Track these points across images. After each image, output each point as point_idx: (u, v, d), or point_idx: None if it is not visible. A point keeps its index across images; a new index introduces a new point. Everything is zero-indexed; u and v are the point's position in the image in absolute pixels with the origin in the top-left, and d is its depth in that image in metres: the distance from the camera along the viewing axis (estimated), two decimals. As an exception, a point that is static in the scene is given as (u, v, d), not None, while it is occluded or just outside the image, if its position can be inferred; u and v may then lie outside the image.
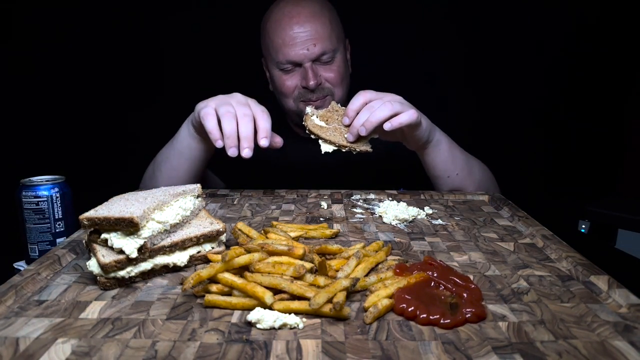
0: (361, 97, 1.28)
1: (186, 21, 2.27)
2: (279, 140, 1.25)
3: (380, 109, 1.22)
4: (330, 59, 1.56)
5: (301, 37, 1.51)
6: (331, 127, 1.31)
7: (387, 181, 1.68)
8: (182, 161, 1.40)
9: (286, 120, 1.80)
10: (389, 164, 1.65)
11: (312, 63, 1.54)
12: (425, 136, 1.34)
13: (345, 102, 1.70)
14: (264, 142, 1.20)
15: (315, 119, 1.33)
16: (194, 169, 1.41)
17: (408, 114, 1.23)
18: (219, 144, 1.20)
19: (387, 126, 1.22)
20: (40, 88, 2.14)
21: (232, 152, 1.19)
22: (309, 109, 1.35)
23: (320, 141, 1.30)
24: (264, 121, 1.21)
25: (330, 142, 1.28)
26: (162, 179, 1.42)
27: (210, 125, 1.20)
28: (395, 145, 1.46)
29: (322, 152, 1.30)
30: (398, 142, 1.42)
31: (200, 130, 1.29)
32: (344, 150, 1.29)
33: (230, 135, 1.18)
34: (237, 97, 1.25)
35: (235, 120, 1.19)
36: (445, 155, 1.41)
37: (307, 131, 1.31)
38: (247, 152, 1.18)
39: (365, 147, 1.28)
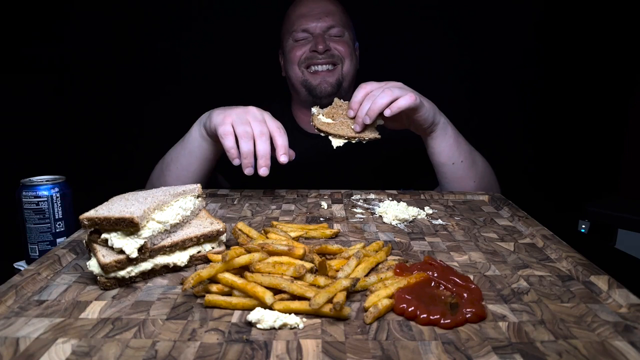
0: (363, 89, 1.33)
1: (188, 23, 2.27)
2: (292, 154, 1.28)
3: (381, 97, 1.27)
4: (339, 33, 1.70)
5: (315, 10, 1.70)
6: (338, 122, 1.35)
7: (389, 173, 1.69)
8: (193, 161, 1.41)
9: (293, 117, 1.81)
10: (391, 153, 1.67)
11: (322, 34, 1.69)
12: (429, 119, 1.36)
13: (352, 87, 1.73)
14: (283, 159, 1.23)
15: (321, 117, 1.37)
16: (204, 168, 1.43)
17: (406, 98, 1.27)
18: (236, 162, 1.22)
19: (387, 112, 1.27)
20: (41, 88, 2.14)
21: (248, 171, 1.21)
22: (314, 109, 1.39)
23: (330, 137, 1.34)
24: (281, 138, 1.23)
25: (340, 136, 1.32)
26: (171, 178, 1.43)
27: (229, 144, 1.22)
28: (399, 139, 1.47)
29: (334, 147, 1.34)
30: (405, 133, 1.45)
31: (213, 134, 1.30)
32: (354, 142, 1.33)
33: (248, 155, 1.21)
34: (253, 113, 1.26)
35: (253, 140, 1.21)
36: (451, 141, 1.42)
37: (316, 130, 1.35)
38: (264, 171, 1.20)
39: (373, 135, 1.32)
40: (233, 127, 1.23)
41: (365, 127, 1.31)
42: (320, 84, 1.67)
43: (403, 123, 1.40)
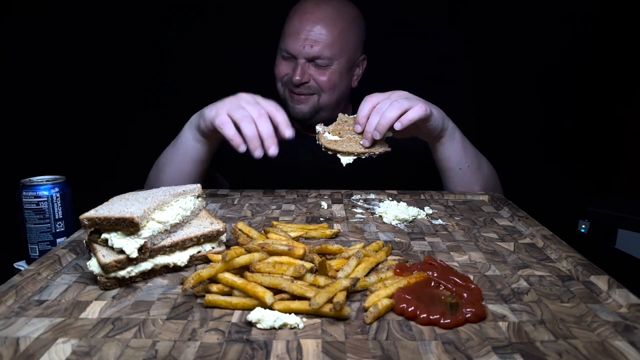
0: (368, 102, 1.29)
1: (186, 23, 2.28)
2: (293, 129, 1.27)
3: (389, 110, 1.24)
4: (325, 64, 1.59)
5: (305, 34, 1.56)
6: (345, 139, 1.32)
7: (393, 180, 1.68)
8: (187, 163, 1.40)
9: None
10: (396, 160, 1.65)
11: (306, 62, 1.58)
12: (438, 126, 1.34)
13: (339, 108, 1.70)
14: (289, 133, 1.22)
15: (328, 135, 1.34)
16: (199, 170, 1.42)
17: (416, 109, 1.24)
18: (242, 148, 1.20)
19: (397, 126, 1.24)
20: (41, 88, 2.14)
21: (258, 153, 1.20)
22: (319, 127, 1.36)
23: (338, 155, 1.31)
24: (280, 114, 1.22)
25: (349, 153, 1.29)
26: (166, 180, 1.42)
27: (230, 132, 1.20)
28: (403, 146, 1.46)
29: (344, 165, 1.31)
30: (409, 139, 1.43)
31: (209, 134, 1.29)
32: (364, 157, 1.30)
33: (253, 138, 1.19)
34: (245, 98, 1.25)
35: (254, 122, 1.20)
36: (458, 146, 1.41)
37: (323, 149, 1.32)
38: (273, 150, 1.19)
39: (383, 149, 1.30)
40: (230, 116, 1.21)
41: (374, 142, 1.28)
42: (293, 107, 1.64)
43: (411, 132, 1.36)
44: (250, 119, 1.20)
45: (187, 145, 1.38)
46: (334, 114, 1.72)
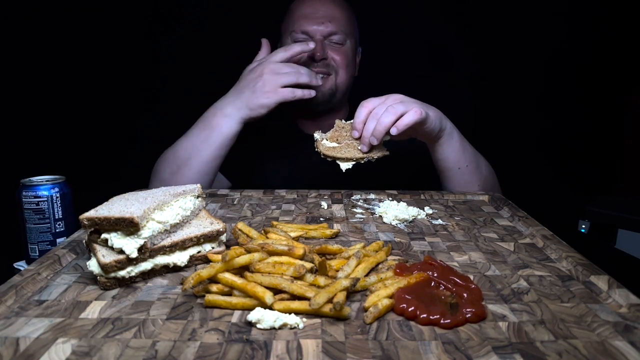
0: (364, 108, 1.30)
1: (187, 24, 2.28)
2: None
3: (385, 116, 1.24)
4: (340, 41, 1.67)
5: (320, 13, 1.66)
6: (343, 145, 1.33)
7: (392, 180, 1.68)
8: (222, 149, 1.48)
9: (293, 121, 1.80)
10: (395, 161, 1.66)
11: (323, 39, 1.66)
12: (436, 127, 1.34)
13: (346, 95, 1.70)
14: (318, 79, 1.52)
15: (326, 142, 1.35)
16: (224, 157, 1.51)
17: (411, 114, 1.24)
18: (314, 93, 1.50)
19: (393, 131, 1.25)
20: (41, 88, 2.14)
21: (317, 81, 1.50)
22: (317, 135, 1.37)
23: (337, 161, 1.32)
24: (305, 73, 1.47)
25: (348, 159, 1.30)
26: (191, 172, 1.47)
27: (299, 93, 1.45)
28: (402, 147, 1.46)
29: (344, 170, 1.32)
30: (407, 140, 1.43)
31: (266, 112, 1.45)
32: (363, 162, 1.31)
33: (310, 81, 1.47)
34: (269, 69, 1.43)
35: (299, 73, 1.45)
36: (457, 146, 1.41)
37: (322, 156, 1.33)
38: (319, 79, 1.52)
39: (382, 153, 1.31)
40: (286, 86, 1.42)
41: (372, 147, 1.29)
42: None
43: (408, 134, 1.37)
44: (298, 73, 1.45)
45: (230, 133, 1.46)
46: (344, 100, 1.76)
